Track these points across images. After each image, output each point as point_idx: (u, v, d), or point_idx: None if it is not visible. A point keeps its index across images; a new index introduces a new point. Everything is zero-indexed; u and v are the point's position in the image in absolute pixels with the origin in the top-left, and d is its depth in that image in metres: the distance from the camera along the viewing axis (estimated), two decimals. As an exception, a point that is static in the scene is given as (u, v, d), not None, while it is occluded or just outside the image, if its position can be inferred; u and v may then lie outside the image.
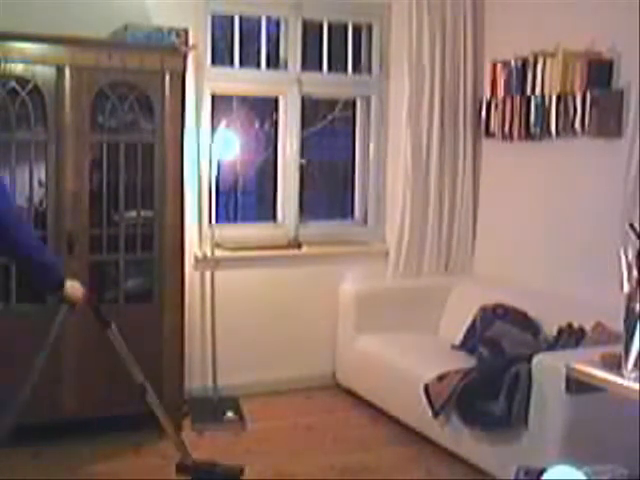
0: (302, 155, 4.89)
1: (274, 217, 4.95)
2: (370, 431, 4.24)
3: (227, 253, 4.56)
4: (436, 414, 3.75)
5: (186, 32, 4.01)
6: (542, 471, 1.87)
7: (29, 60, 3.64)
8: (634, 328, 2.23)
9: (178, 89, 3.92)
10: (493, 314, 4.29)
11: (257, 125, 5.84)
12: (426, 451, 3.91)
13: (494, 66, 4.64)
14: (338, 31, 4.98)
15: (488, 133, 4.73)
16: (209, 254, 4.46)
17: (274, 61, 4.81)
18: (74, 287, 3.12)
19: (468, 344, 4.30)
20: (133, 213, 3.96)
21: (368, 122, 5.07)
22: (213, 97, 4.56)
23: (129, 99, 3.88)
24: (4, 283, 3.75)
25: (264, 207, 5.61)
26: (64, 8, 4.00)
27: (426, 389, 3.80)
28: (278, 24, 4.81)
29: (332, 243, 4.94)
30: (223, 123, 4.43)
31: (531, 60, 4.36)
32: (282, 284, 4.74)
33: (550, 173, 4.43)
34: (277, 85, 4.79)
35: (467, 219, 4.99)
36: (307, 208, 5.04)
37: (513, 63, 4.48)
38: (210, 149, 4.44)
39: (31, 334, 3.50)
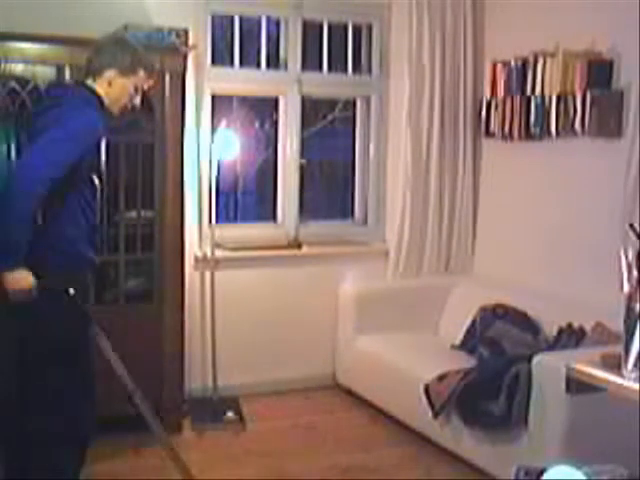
0: (302, 155, 4.89)
1: (274, 217, 4.94)
2: (370, 431, 4.24)
3: (227, 253, 4.56)
4: (436, 414, 3.75)
5: (186, 32, 4.01)
6: (542, 471, 1.87)
7: (29, 60, 3.64)
8: (634, 328, 2.23)
9: (178, 89, 3.92)
10: (493, 314, 4.29)
11: (257, 125, 5.85)
12: (426, 451, 3.91)
13: (494, 66, 4.64)
14: (338, 31, 4.98)
15: (488, 133, 4.73)
16: (209, 254, 4.46)
17: (274, 61, 4.81)
18: (16, 278, 2.75)
19: (468, 344, 4.30)
20: (133, 213, 3.96)
21: (368, 122, 5.06)
22: (213, 97, 4.56)
23: (129, 99, 3.88)
24: None
25: (264, 207, 5.62)
26: (64, 8, 3.99)
27: (426, 389, 3.80)
28: (278, 24, 4.81)
29: (332, 243, 4.93)
30: (223, 123, 4.43)
31: (531, 60, 4.36)
32: (282, 284, 4.74)
33: (550, 173, 4.43)
34: (277, 85, 4.79)
35: (467, 219, 4.99)
36: (307, 208, 5.04)
37: (513, 63, 4.48)
38: (210, 149, 4.44)
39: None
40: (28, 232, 2.74)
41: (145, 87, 3.12)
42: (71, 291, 2.91)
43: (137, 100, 3.11)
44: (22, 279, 2.76)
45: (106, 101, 3.01)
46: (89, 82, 3.02)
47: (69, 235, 2.91)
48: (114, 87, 3.00)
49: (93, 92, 3.00)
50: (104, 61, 3.00)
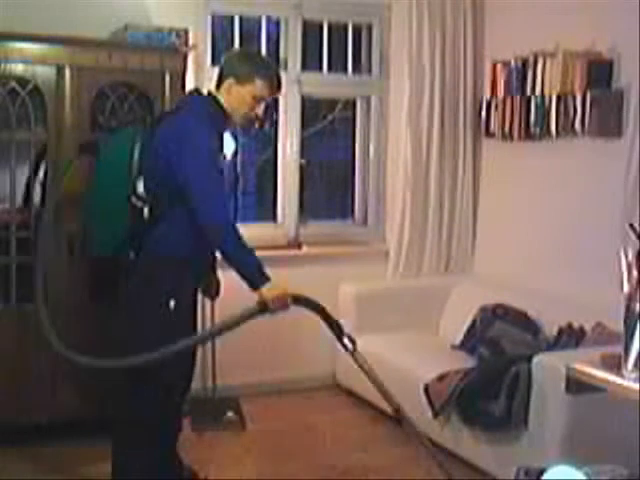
0: (302, 155, 4.89)
1: (274, 217, 4.94)
2: (370, 431, 4.23)
3: (227, 253, 4.55)
4: (436, 414, 3.75)
5: (186, 32, 4.01)
6: (542, 471, 1.87)
7: (29, 60, 3.64)
8: (634, 328, 2.22)
9: (178, 89, 3.91)
10: (493, 314, 4.29)
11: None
12: (426, 451, 3.90)
13: (494, 66, 4.64)
14: (338, 31, 4.98)
15: (488, 133, 4.73)
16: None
17: (274, 61, 4.80)
18: (270, 292, 3.20)
19: (468, 344, 4.30)
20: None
21: (368, 122, 5.07)
22: (213, 97, 4.56)
23: (129, 99, 3.87)
24: (4, 283, 3.74)
25: (264, 207, 5.61)
26: (64, 8, 4.00)
27: (426, 389, 3.80)
28: (278, 24, 4.81)
29: (332, 243, 4.93)
30: (223, 123, 4.42)
31: (531, 60, 4.36)
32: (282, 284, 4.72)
33: (550, 173, 4.43)
34: (277, 85, 4.79)
35: (467, 219, 4.99)
36: (307, 208, 5.04)
37: (513, 63, 4.48)
38: (210, 149, 4.43)
39: (31, 334, 3.51)
40: (247, 250, 3.14)
41: (267, 98, 3.16)
42: (171, 304, 3.08)
43: (259, 110, 3.15)
44: (275, 290, 3.20)
45: (228, 109, 3.10)
46: (214, 91, 3.14)
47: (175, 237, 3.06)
48: (232, 95, 3.08)
49: (216, 101, 3.10)
50: (225, 70, 3.12)
